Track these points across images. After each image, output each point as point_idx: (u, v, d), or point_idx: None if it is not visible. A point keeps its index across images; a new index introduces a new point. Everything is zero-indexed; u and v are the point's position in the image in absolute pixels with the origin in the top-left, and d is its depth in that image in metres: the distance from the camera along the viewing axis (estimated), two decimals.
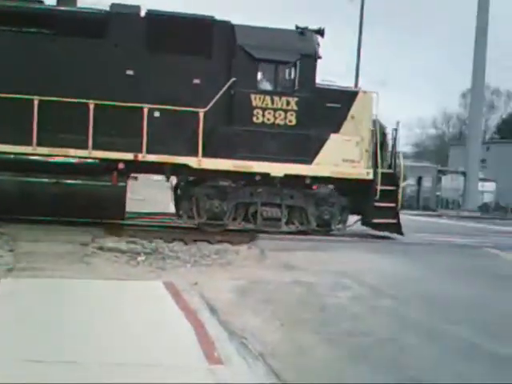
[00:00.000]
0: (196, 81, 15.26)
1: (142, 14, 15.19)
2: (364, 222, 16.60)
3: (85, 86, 14.57)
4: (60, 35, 14.75)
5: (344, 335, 6.58)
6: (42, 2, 15.52)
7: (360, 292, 8.97)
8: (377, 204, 15.86)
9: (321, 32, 15.99)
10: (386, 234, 16.33)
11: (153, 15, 15.17)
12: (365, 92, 16.26)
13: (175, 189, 16.06)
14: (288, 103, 15.45)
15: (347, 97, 16.09)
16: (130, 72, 14.96)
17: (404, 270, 11.25)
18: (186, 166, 15.02)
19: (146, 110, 14.65)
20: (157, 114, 14.86)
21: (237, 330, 6.61)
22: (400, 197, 16.21)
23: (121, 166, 14.73)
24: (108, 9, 15.22)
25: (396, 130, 16.40)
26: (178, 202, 15.87)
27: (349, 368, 5.58)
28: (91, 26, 14.97)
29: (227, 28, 15.42)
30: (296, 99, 15.46)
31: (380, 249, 14.30)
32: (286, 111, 15.45)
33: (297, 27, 16.07)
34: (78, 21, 15.01)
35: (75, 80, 14.65)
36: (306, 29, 15.82)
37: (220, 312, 7.29)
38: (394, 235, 16.37)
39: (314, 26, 16.12)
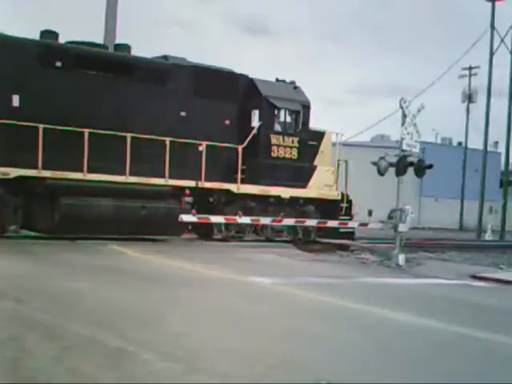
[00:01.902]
0: (227, 122, 19.44)
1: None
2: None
3: (159, 126, 17.84)
4: (134, 80, 17.84)
5: None
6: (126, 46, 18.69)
7: None
8: (341, 217, 21.15)
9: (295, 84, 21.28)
10: None
11: (197, 68, 18.98)
12: (328, 132, 21.83)
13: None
14: (293, 142, 20.39)
15: (319, 136, 21.44)
16: (183, 113, 18.61)
17: (28, 270, 11.32)
18: (228, 191, 19.14)
19: (204, 146, 18.44)
20: (201, 148, 18.50)
21: None
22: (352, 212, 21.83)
23: (187, 191, 18.40)
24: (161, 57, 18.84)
25: (346, 161, 22.23)
26: None
27: None
28: (157, 74, 18.34)
29: (248, 80, 19.90)
30: (297, 138, 20.45)
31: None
32: (291, 148, 20.35)
33: (277, 79, 21.10)
34: (148, 69, 18.25)
35: (150, 120, 17.81)
36: (293, 82, 21.15)
37: None
38: None
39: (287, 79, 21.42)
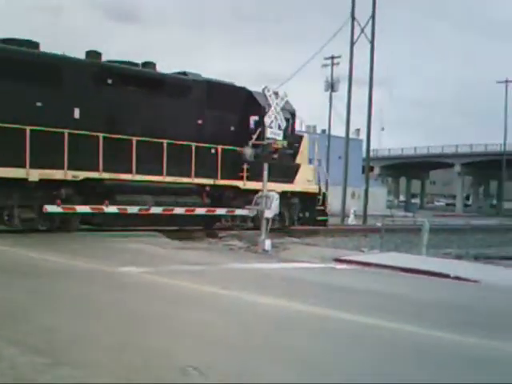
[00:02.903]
0: (232, 128, 23.04)
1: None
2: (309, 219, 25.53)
3: (184, 133, 21.11)
4: (165, 94, 20.96)
5: None
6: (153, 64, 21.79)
7: None
8: (317, 207, 25.20)
9: None
10: None
11: (210, 82, 22.74)
12: (305, 135, 26.82)
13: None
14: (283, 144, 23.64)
15: (299, 138, 25.61)
16: (199, 121, 22.07)
17: None
18: (237, 187, 22.72)
19: (220, 149, 22.12)
20: (213, 151, 22.10)
21: None
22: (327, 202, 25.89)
23: (207, 188, 22.19)
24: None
25: (320, 160, 26.69)
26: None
27: None
28: (182, 88, 21.81)
29: (247, 92, 23.64)
30: (287, 142, 22.00)
31: None
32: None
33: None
34: (175, 84, 21.68)
35: (177, 128, 21.07)
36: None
37: None
38: None
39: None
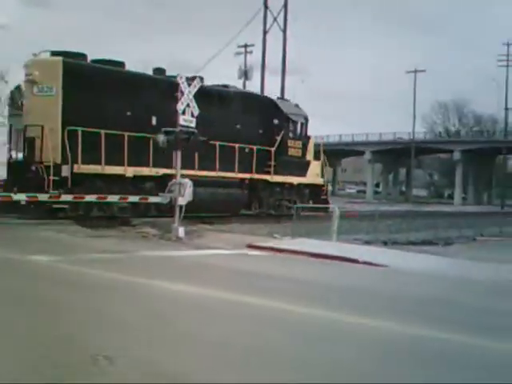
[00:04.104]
0: (260, 131, 27.47)
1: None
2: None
3: (228, 136, 25.00)
4: (218, 104, 25.06)
5: None
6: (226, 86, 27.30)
7: None
8: (322, 197, 29.99)
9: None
10: None
11: (243, 93, 29.44)
12: (312, 136, 31.31)
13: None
14: (298, 144, 29.15)
15: (308, 138, 30.25)
16: (237, 126, 26.13)
17: None
18: (266, 180, 27.23)
19: (255, 149, 26.42)
20: (247, 150, 26.30)
21: None
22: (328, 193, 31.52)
23: (247, 181, 26.42)
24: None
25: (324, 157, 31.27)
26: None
27: None
28: (229, 99, 26.25)
29: (271, 100, 29.34)
30: (301, 142, 29.22)
31: None
32: (298, 148, 29.10)
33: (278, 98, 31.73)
34: (226, 97, 26.24)
35: (225, 132, 24.91)
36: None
37: None
38: None
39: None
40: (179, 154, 18.53)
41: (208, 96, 23.50)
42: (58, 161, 19.57)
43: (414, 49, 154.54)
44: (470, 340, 7.60)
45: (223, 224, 22.40)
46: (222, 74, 38.92)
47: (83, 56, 21.45)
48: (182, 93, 18.19)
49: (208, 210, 24.21)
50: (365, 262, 14.84)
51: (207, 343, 6.67)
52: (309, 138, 30.32)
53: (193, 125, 18.53)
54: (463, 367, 6.55)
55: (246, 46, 56.29)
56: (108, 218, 20.78)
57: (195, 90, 18.61)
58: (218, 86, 26.77)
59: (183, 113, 18.35)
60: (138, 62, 76.40)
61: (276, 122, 27.80)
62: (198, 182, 21.60)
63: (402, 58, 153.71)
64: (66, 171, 19.52)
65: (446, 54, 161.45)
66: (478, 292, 12.14)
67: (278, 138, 27.30)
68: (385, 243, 20.55)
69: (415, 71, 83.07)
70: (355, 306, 9.43)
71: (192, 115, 18.52)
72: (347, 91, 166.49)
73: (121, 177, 21.25)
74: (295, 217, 21.84)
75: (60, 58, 20.38)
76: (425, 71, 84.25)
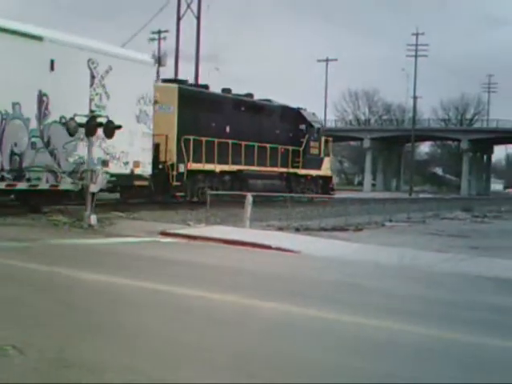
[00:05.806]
0: (290, 135, 34.84)
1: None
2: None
3: (271, 139, 32.59)
4: (263, 115, 33.19)
5: None
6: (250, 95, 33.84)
7: None
8: (330, 185, 38.09)
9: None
10: None
11: (281, 105, 35.34)
12: (324, 137, 38.37)
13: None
14: (316, 144, 36.50)
15: (321, 139, 37.51)
16: (277, 131, 33.69)
17: None
18: (296, 173, 34.72)
19: (290, 149, 34.04)
20: (284, 150, 33.51)
21: None
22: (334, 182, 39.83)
23: (284, 174, 33.74)
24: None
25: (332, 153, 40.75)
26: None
27: None
28: (270, 111, 34.07)
29: (296, 110, 36.19)
30: (318, 142, 36.84)
31: None
32: (315, 147, 36.42)
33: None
34: (268, 109, 34.05)
35: (270, 136, 32.63)
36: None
37: None
38: None
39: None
40: (91, 140, 18.20)
41: (260, 109, 32.94)
42: (174, 161, 26.32)
43: (327, 38, 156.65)
44: (367, 321, 7.82)
45: (136, 212, 22.17)
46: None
47: (207, 86, 31.04)
48: (94, 77, 17.88)
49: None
50: (277, 248, 15.07)
51: (122, 334, 6.65)
52: (322, 139, 37.87)
53: (104, 110, 18.23)
54: (353, 349, 6.67)
55: (159, 31, 55.81)
56: (18, 206, 20.29)
57: (107, 74, 18.31)
58: (264, 100, 34.50)
59: (95, 98, 18.09)
60: None
61: (302, 127, 35.42)
62: (254, 176, 30.91)
63: (314, 46, 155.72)
64: (182, 168, 26.50)
65: (359, 44, 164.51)
66: (385, 276, 12.50)
67: (304, 140, 35.03)
68: (297, 229, 20.89)
69: (327, 60, 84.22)
70: (269, 290, 9.56)
71: (101, 100, 18.17)
72: (259, 78, 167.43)
73: (212, 172, 28.56)
74: (209, 204, 21.85)
75: (176, 85, 28.04)
76: (336, 60, 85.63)
